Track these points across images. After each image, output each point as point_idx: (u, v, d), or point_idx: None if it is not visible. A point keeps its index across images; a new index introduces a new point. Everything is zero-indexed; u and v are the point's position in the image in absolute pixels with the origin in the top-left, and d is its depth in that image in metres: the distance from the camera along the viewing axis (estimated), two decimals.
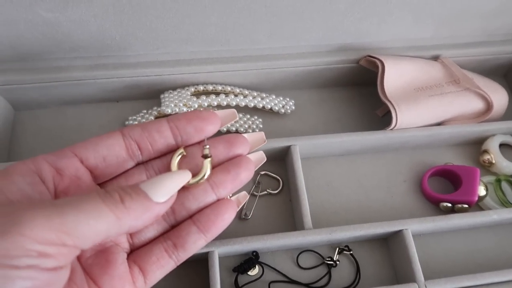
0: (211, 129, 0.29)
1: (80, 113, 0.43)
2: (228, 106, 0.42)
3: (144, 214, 0.22)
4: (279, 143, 0.39)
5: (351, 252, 0.37)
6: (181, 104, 0.40)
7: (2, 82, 0.38)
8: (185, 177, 0.25)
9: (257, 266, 0.36)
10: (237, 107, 0.42)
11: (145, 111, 0.42)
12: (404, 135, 0.40)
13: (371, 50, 0.43)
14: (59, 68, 0.39)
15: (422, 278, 0.34)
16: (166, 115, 0.41)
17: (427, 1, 0.38)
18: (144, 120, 0.41)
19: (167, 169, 0.28)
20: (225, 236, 0.35)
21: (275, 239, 0.34)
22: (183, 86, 0.42)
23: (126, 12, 0.34)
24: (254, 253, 0.36)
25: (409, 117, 0.40)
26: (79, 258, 0.25)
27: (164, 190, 0.23)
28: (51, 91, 0.40)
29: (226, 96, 0.41)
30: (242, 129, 0.41)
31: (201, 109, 0.41)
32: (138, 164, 0.28)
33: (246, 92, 0.43)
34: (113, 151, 0.26)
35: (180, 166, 0.28)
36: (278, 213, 0.39)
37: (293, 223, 0.39)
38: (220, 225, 0.28)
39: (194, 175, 0.28)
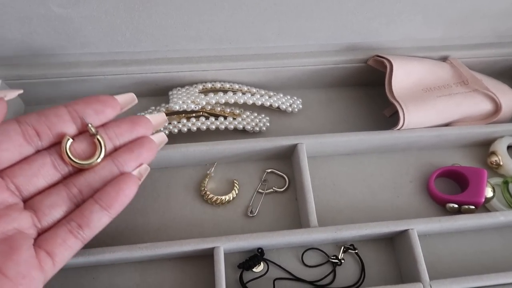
0: (110, 111, 0.30)
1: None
2: (235, 104, 0.42)
3: None
4: (286, 141, 0.39)
5: (356, 251, 0.37)
6: (189, 101, 0.40)
7: (14, 77, 0.39)
8: (9, 93, 0.26)
9: (262, 263, 0.36)
10: (244, 105, 0.42)
11: (153, 107, 0.43)
12: (412, 135, 0.40)
13: (380, 50, 0.43)
14: (70, 63, 0.39)
15: (427, 278, 0.34)
16: (174, 112, 0.41)
17: (437, 1, 0.38)
18: None
19: (73, 151, 0.29)
20: (230, 232, 0.35)
21: (280, 236, 0.35)
22: (192, 83, 0.42)
23: (136, 9, 0.34)
24: (259, 250, 0.36)
25: (417, 117, 0.40)
26: None
27: None
28: (61, 86, 0.41)
29: (234, 94, 0.41)
30: (249, 127, 0.42)
31: (209, 107, 0.41)
32: (40, 151, 0.28)
33: (254, 90, 0.43)
34: (7, 137, 0.26)
35: (75, 151, 0.29)
36: (284, 211, 0.39)
37: (299, 221, 0.39)
38: (122, 200, 0.28)
39: (91, 156, 0.29)
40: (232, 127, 0.41)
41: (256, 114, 0.43)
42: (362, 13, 0.38)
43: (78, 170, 0.29)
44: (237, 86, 0.42)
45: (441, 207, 0.40)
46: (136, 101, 0.32)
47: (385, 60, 0.41)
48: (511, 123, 0.42)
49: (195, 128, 0.40)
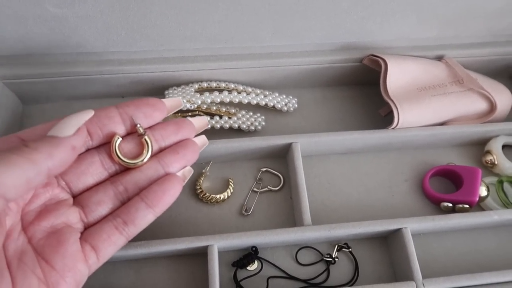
0: (158, 115, 0.31)
1: (86, 108, 0.43)
2: (231, 103, 0.42)
3: (56, 150, 0.24)
4: (280, 140, 0.39)
5: (350, 249, 0.37)
6: (184, 101, 0.40)
7: (11, 76, 0.39)
8: (87, 113, 0.27)
9: (256, 261, 0.37)
10: (240, 104, 0.42)
11: None
12: (406, 134, 0.40)
13: (375, 50, 0.43)
14: (66, 63, 0.40)
15: (420, 277, 0.34)
16: None
17: (431, 0, 0.38)
18: None
19: (122, 151, 0.30)
20: (225, 231, 0.36)
21: (274, 234, 0.35)
22: (187, 82, 0.43)
23: (131, 8, 0.34)
24: (254, 248, 0.36)
25: (412, 116, 0.40)
26: (30, 240, 0.26)
27: (68, 125, 0.25)
28: (58, 85, 0.41)
29: (229, 93, 0.41)
30: (244, 126, 0.42)
31: (205, 106, 0.42)
32: (89, 149, 0.29)
33: (249, 89, 0.43)
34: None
35: (123, 150, 0.30)
36: (278, 209, 0.40)
37: (293, 220, 0.39)
38: (167, 199, 0.29)
39: (138, 156, 0.30)
40: (227, 126, 0.41)
41: (251, 113, 0.43)
42: (356, 13, 0.38)
43: (125, 169, 0.30)
44: (232, 86, 0.43)
45: (436, 206, 0.40)
46: (182, 105, 0.33)
47: (380, 60, 0.41)
48: (506, 122, 0.42)
49: None
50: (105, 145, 0.30)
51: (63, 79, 0.40)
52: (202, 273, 0.36)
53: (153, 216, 0.29)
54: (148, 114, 0.30)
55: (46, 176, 0.24)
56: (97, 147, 0.30)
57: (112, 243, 0.28)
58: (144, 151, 0.30)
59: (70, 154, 0.25)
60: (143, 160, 0.30)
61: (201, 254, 0.35)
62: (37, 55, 0.39)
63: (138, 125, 0.30)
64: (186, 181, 0.31)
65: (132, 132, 0.30)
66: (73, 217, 0.28)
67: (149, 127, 0.31)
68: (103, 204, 0.29)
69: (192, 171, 0.32)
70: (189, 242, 0.34)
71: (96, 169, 0.29)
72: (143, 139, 0.30)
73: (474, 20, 0.41)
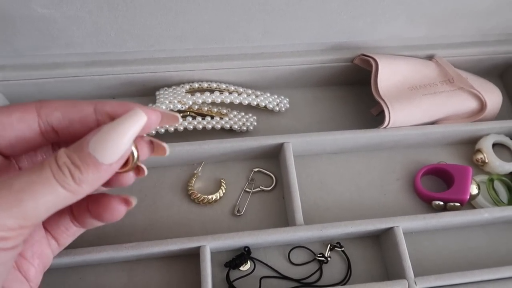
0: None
1: None
2: (222, 104, 0.42)
3: (97, 182, 0.22)
4: (272, 140, 0.39)
5: (343, 248, 0.38)
6: (175, 101, 0.40)
7: (0, 78, 0.39)
8: (139, 121, 0.22)
9: (248, 262, 0.36)
10: (231, 104, 0.42)
11: None
12: (398, 133, 0.41)
13: (365, 49, 0.43)
14: (55, 64, 0.39)
15: (412, 275, 0.34)
16: None
17: (420, 0, 0.38)
18: None
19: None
20: (217, 231, 0.36)
21: (266, 234, 0.35)
22: (178, 83, 0.43)
23: (120, 9, 0.34)
24: (246, 249, 0.36)
25: (403, 115, 0.40)
26: None
27: (114, 148, 0.21)
28: (47, 87, 0.40)
29: (220, 94, 0.41)
30: (236, 126, 0.42)
31: (196, 106, 0.42)
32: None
33: (241, 89, 0.43)
34: (82, 115, 0.24)
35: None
36: (271, 210, 0.40)
37: (286, 220, 0.39)
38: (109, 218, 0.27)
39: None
40: (219, 126, 0.41)
41: (243, 114, 0.43)
42: (346, 12, 0.38)
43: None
44: (224, 86, 0.43)
45: (427, 204, 0.41)
46: (180, 121, 0.29)
47: (370, 59, 0.41)
48: (496, 121, 0.43)
49: (182, 128, 0.40)
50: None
51: (52, 81, 0.40)
52: (195, 274, 0.35)
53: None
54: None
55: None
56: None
57: (71, 235, 0.28)
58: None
59: (106, 180, 0.22)
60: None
61: (193, 255, 0.35)
62: (25, 56, 0.38)
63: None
64: (131, 207, 0.27)
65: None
66: None
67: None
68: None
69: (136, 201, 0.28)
70: (181, 243, 0.34)
71: (46, 152, 0.27)
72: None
73: (462, 20, 0.42)
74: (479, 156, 0.42)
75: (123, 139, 0.22)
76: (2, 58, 0.38)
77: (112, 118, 0.24)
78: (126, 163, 0.23)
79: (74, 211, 0.28)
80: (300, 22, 0.39)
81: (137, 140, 0.24)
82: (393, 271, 0.36)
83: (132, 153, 0.23)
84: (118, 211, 0.27)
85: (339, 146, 0.42)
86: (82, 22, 0.35)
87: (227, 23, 0.38)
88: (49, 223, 0.27)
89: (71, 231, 0.28)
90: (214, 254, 0.36)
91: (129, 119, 0.22)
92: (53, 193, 0.21)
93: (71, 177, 0.21)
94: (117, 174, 0.24)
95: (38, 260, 0.26)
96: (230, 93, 0.42)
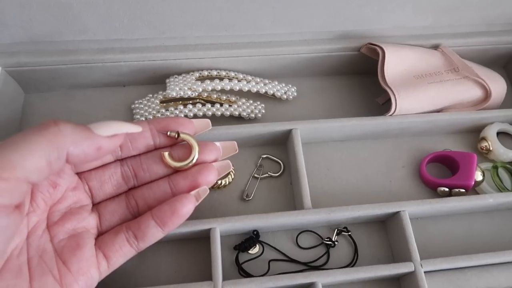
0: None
1: (87, 97, 0.44)
2: (231, 91, 0.43)
3: (82, 141, 0.24)
4: (280, 127, 0.40)
5: (350, 233, 0.38)
6: (186, 88, 0.41)
7: (13, 64, 0.40)
8: (133, 127, 0.28)
9: (257, 245, 0.37)
10: (240, 92, 0.43)
11: (150, 95, 0.43)
12: (404, 121, 0.41)
13: (372, 38, 0.44)
14: (68, 51, 0.40)
15: (418, 258, 0.35)
16: (171, 99, 0.42)
17: None
18: (149, 103, 0.42)
19: (141, 166, 0.31)
20: (226, 215, 0.36)
21: (275, 217, 0.35)
22: (188, 71, 0.43)
23: None
24: (255, 232, 0.37)
25: (409, 103, 0.41)
26: (52, 239, 0.27)
27: (107, 127, 0.26)
28: (59, 74, 0.41)
29: (230, 81, 0.42)
30: (245, 114, 0.42)
31: (205, 94, 0.42)
32: (115, 161, 0.31)
33: (250, 77, 0.44)
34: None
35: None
36: (279, 195, 0.40)
37: (293, 204, 0.40)
38: (176, 220, 0.29)
39: (182, 160, 0.31)
40: (228, 113, 0.42)
41: (251, 101, 0.44)
42: (354, 1, 0.39)
43: (140, 185, 0.31)
44: (233, 74, 0.43)
45: (433, 191, 0.41)
46: (210, 127, 0.34)
47: (377, 48, 0.42)
48: (501, 109, 0.43)
49: (192, 115, 0.41)
50: (131, 158, 0.31)
51: (64, 67, 0.41)
52: (205, 256, 0.36)
53: (162, 234, 0.30)
54: (174, 130, 0.31)
55: (65, 162, 0.24)
56: (123, 160, 0.31)
57: (123, 254, 0.29)
58: (191, 155, 0.31)
59: (94, 152, 0.25)
60: (192, 160, 0.31)
61: (204, 238, 0.36)
62: (39, 43, 0.39)
63: (169, 133, 0.30)
64: (200, 200, 0.31)
65: (167, 146, 0.31)
66: (92, 223, 0.29)
67: (171, 146, 0.32)
68: (115, 214, 0.30)
69: (208, 191, 0.31)
70: (192, 225, 0.34)
71: (117, 180, 0.30)
72: (185, 141, 0.31)
73: (469, 10, 0.42)
74: (484, 144, 0.43)
75: (116, 125, 0.26)
76: (15, 44, 0.39)
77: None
78: None
79: (135, 225, 0.29)
80: (309, 10, 0.39)
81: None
82: (399, 254, 0.37)
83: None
84: (184, 207, 0.29)
85: (346, 134, 0.42)
86: (96, 8, 0.36)
87: (237, 10, 0.38)
88: (104, 241, 0.28)
89: (124, 250, 0.29)
90: (224, 237, 0.37)
91: (128, 124, 0.28)
92: (30, 142, 0.22)
93: (56, 125, 0.23)
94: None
95: (83, 278, 0.26)
96: (239, 81, 0.42)
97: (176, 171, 0.31)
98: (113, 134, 0.26)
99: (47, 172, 0.23)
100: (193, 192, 0.30)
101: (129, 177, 0.31)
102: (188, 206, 0.29)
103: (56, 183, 0.27)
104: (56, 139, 0.23)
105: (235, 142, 0.34)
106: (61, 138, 0.23)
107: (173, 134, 0.31)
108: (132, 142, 0.30)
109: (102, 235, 0.29)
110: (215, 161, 0.32)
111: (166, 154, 0.31)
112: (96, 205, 0.30)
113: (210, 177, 0.31)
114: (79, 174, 0.29)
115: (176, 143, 0.32)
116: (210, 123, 0.33)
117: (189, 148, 0.31)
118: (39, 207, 0.26)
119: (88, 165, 0.29)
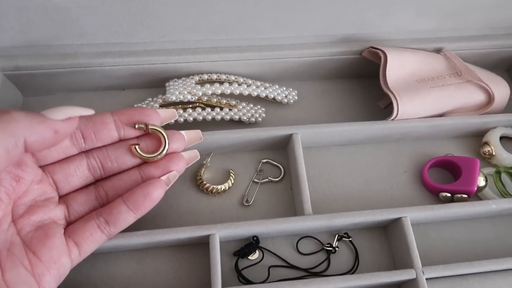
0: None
1: (86, 101, 0.44)
2: (231, 95, 0.42)
3: (37, 125, 0.24)
4: (281, 131, 0.39)
5: (350, 239, 0.38)
6: (185, 92, 0.40)
7: (12, 68, 0.39)
8: (84, 109, 0.27)
9: (257, 251, 0.37)
10: (240, 95, 0.42)
11: (150, 98, 0.43)
12: (406, 125, 0.41)
13: (374, 42, 0.43)
14: (67, 54, 0.40)
15: (420, 264, 0.34)
16: (171, 103, 0.42)
17: None
18: (149, 107, 0.42)
19: (108, 157, 0.31)
20: (226, 220, 0.36)
21: (275, 223, 0.35)
22: (188, 75, 0.43)
23: None
24: (255, 238, 0.36)
25: (411, 107, 0.40)
26: (19, 232, 0.27)
27: (60, 111, 0.26)
28: (58, 77, 0.41)
29: (230, 85, 0.41)
30: (245, 118, 0.42)
31: (205, 98, 0.42)
32: (80, 153, 0.30)
33: (250, 81, 0.43)
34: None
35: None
36: (279, 200, 0.40)
37: (294, 210, 0.39)
38: (148, 204, 0.30)
39: (151, 150, 0.31)
40: (228, 117, 0.42)
41: (252, 105, 0.43)
42: (356, 4, 0.38)
43: (108, 176, 0.31)
44: (233, 78, 0.43)
45: (435, 196, 0.41)
46: (176, 117, 0.34)
47: (379, 51, 0.41)
48: (504, 114, 0.43)
49: (191, 119, 0.41)
50: (97, 150, 0.31)
51: (63, 71, 0.40)
52: (204, 262, 0.36)
53: (133, 218, 0.30)
54: (140, 122, 0.31)
55: (23, 149, 0.24)
56: (88, 151, 0.31)
57: (94, 240, 0.29)
58: (161, 146, 0.31)
59: (51, 135, 0.25)
60: (162, 152, 0.31)
61: (203, 244, 0.36)
62: (37, 46, 0.39)
63: (137, 125, 0.30)
64: (170, 185, 0.32)
65: (145, 134, 0.32)
66: (59, 214, 0.29)
67: (138, 137, 0.32)
68: (85, 205, 0.30)
69: (177, 175, 0.32)
70: (191, 231, 0.34)
71: (82, 172, 0.30)
72: (156, 133, 0.31)
73: (472, 13, 0.42)
74: (487, 148, 0.42)
75: (67, 109, 0.26)
76: (14, 48, 0.39)
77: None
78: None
79: (106, 210, 0.29)
80: (310, 14, 0.39)
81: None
82: (400, 261, 0.36)
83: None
84: (156, 191, 0.30)
85: (347, 138, 0.42)
86: (95, 12, 0.35)
87: (238, 14, 0.38)
88: (74, 229, 0.29)
89: (95, 237, 0.29)
90: (223, 243, 0.37)
91: (78, 107, 0.27)
92: None
93: (8, 113, 0.23)
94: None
95: (55, 266, 0.27)
96: (239, 84, 0.42)
97: (146, 161, 0.32)
98: (66, 117, 0.26)
99: (6, 161, 0.23)
100: (163, 177, 0.31)
101: (96, 168, 0.31)
102: (159, 190, 0.30)
103: (19, 177, 0.27)
104: (11, 126, 0.23)
105: (200, 131, 0.34)
106: (15, 124, 0.23)
107: (141, 126, 0.30)
108: (96, 134, 0.29)
109: (74, 224, 0.29)
110: (182, 149, 0.33)
111: (136, 147, 0.31)
112: (63, 197, 0.30)
113: (180, 166, 0.32)
114: (43, 167, 0.29)
115: (143, 134, 0.32)
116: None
117: (157, 138, 0.31)
118: (3, 202, 0.26)
119: (51, 156, 0.29)
